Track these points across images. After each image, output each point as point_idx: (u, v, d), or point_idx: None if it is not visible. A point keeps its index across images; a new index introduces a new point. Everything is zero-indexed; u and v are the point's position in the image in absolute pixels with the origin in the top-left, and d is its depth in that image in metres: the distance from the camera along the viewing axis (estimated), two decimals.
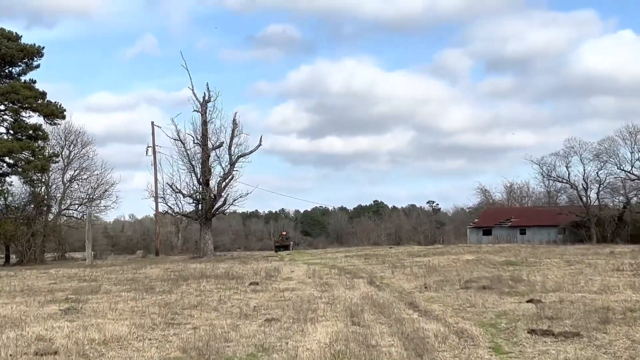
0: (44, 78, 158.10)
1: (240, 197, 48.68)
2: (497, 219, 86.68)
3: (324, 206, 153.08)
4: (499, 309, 14.98)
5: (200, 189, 48.28)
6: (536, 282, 20.23)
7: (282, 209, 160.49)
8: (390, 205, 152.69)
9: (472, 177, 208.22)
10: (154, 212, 58.98)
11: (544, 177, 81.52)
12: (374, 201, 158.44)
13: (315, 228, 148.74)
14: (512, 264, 27.41)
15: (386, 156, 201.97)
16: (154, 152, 60.50)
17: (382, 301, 16.86)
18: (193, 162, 48.89)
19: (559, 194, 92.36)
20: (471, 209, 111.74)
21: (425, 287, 19.80)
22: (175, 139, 49.21)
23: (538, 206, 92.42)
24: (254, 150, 49.60)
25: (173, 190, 48.67)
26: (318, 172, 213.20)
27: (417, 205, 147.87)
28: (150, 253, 69.38)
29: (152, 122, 62.20)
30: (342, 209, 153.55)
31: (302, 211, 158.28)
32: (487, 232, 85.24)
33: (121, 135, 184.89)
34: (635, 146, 70.05)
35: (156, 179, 56.85)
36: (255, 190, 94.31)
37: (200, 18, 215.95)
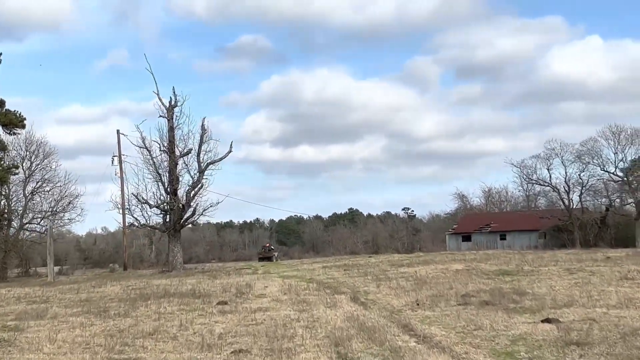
0: (14, 92, 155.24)
1: (211, 206, 45.76)
2: (477, 225, 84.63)
3: (298, 215, 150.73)
4: (513, 332, 12.53)
5: (168, 198, 45.39)
6: (543, 295, 17.84)
7: (257, 218, 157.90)
8: (365, 213, 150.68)
9: (445, 184, 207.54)
10: (120, 225, 56.10)
11: (524, 180, 79.67)
12: (349, 209, 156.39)
13: (290, 237, 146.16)
14: (507, 273, 25.00)
15: (360, 164, 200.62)
16: (120, 162, 57.64)
17: (370, 324, 14.33)
18: (160, 171, 46.00)
19: (538, 198, 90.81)
20: (448, 215, 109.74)
21: (418, 304, 17.32)
22: (140, 147, 46.34)
23: (518, 210, 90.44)
24: (225, 156, 46.84)
25: (139, 200, 45.80)
26: (292, 181, 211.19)
27: (393, 213, 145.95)
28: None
29: (118, 131, 59.17)
30: (317, 217, 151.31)
31: (277, 220, 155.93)
32: (467, 238, 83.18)
33: (93, 148, 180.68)
34: (619, 146, 68.19)
35: (123, 190, 53.93)
36: (230, 200, 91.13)
37: (171, 30, 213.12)
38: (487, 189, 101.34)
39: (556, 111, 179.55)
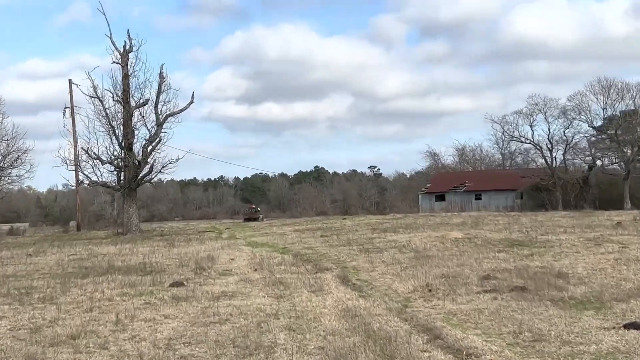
0: None
1: (170, 163, 41.46)
2: (450, 184, 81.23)
3: (264, 173, 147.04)
4: (595, 347, 8.56)
5: (122, 154, 40.98)
6: (589, 278, 13.98)
7: (222, 176, 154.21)
8: (331, 171, 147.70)
9: (410, 142, 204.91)
10: (68, 182, 51.61)
11: (505, 137, 76.04)
12: (315, 167, 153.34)
13: (255, 195, 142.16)
14: (520, 244, 21.13)
15: (325, 122, 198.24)
16: (72, 114, 52.96)
17: (377, 325, 10.33)
18: (113, 123, 41.48)
19: (514, 156, 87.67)
20: (419, 173, 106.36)
21: (430, 290, 13.34)
22: (92, 96, 41.69)
23: (494, 169, 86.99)
24: (186, 108, 42.51)
25: (89, 156, 41.32)
26: (257, 138, 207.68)
27: (359, 171, 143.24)
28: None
29: (70, 80, 54.33)
30: (283, 175, 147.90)
31: (242, 178, 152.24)
32: (441, 197, 79.91)
33: (54, 103, 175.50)
34: (608, 101, 64.43)
35: (76, 144, 49.18)
36: (194, 157, 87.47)
37: None
38: (460, 147, 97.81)
39: (520, 70, 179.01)
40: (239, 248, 24.57)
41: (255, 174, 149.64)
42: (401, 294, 13.26)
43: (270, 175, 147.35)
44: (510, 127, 73.25)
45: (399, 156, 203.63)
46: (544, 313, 10.62)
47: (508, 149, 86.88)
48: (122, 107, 40.94)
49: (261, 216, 67.12)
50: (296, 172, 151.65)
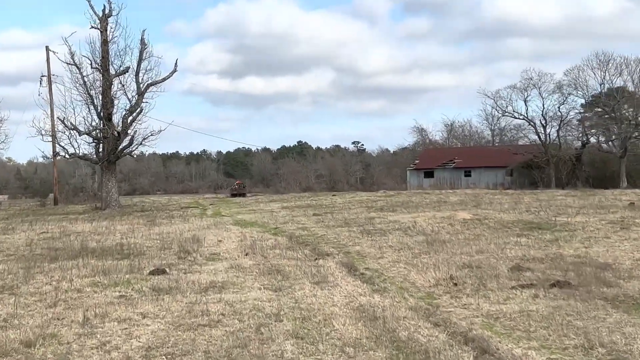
0: None
1: (152, 135, 39.29)
2: (439, 160, 79.38)
3: (247, 147, 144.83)
4: None
5: (101, 125, 38.71)
6: (635, 269, 12.09)
7: (204, 150, 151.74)
8: (314, 146, 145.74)
9: (393, 118, 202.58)
10: (44, 154, 49.26)
11: (497, 112, 73.99)
12: (298, 142, 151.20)
13: (238, 169, 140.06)
14: (538, 227, 19.23)
15: (308, 97, 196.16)
16: (49, 82, 50.35)
17: (405, 332, 8.36)
18: (92, 92, 39.16)
19: (503, 133, 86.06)
20: (405, 149, 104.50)
21: (455, 284, 11.37)
22: (69, 63, 39.32)
23: (485, 146, 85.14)
24: (168, 76, 40.24)
25: (66, 126, 39.00)
26: (240, 112, 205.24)
27: (342, 146, 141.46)
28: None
29: (47, 47, 51.68)
30: (266, 149, 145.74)
31: (224, 152, 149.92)
32: (429, 174, 78.05)
33: (35, 74, 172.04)
34: (607, 76, 62.38)
35: (53, 114, 46.82)
36: (176, 130, 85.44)
37: None
38: (449, 123, 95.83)
39: (502, 47, 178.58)
40: (226, 227, 22.52)
41: (238, 148, 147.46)
42: (421, 289, 11.29)
43: (253, 149, 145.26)
44: (503, 102, 71.11)
45: (382, 132, 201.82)
46: (607, 318, 8.70)
47: (498, 125, 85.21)
48: (100, 75, 38.65)
49: (246, 192, 66.16)
50: (279, 147, 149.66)
